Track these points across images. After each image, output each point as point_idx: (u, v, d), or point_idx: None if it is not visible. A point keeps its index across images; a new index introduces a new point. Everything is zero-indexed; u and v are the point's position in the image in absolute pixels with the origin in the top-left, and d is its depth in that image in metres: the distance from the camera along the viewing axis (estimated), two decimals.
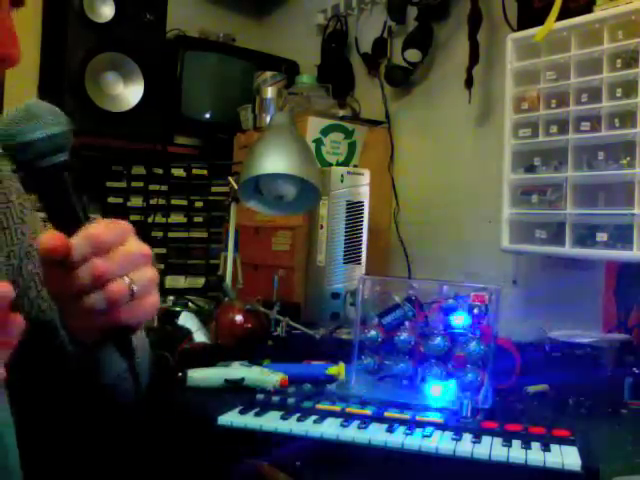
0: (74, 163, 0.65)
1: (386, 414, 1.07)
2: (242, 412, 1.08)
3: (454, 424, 1.03)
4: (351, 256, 1.93)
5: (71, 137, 0.65)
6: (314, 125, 2.21)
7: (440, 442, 0.95)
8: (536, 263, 1.84)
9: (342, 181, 1.92)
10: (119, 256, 0.62)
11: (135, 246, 0.64)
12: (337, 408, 1.09)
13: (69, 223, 0.63)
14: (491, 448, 0.93)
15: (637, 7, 1.40)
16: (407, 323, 1.24)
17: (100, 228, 0.62)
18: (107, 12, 2.30)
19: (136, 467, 1.07)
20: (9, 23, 0.68)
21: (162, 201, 2.56)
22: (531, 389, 1.30)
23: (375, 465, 0.97)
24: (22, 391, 0.76)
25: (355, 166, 2.05)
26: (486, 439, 0.96)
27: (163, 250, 2.56)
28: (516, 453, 0.91)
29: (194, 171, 2.61)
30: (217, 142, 2.65)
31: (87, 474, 0.79)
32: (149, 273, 0.65)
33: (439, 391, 1.18)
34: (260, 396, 1.15)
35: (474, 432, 0.99)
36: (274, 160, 1.67)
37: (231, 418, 1.05)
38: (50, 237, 0.61)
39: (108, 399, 0.80)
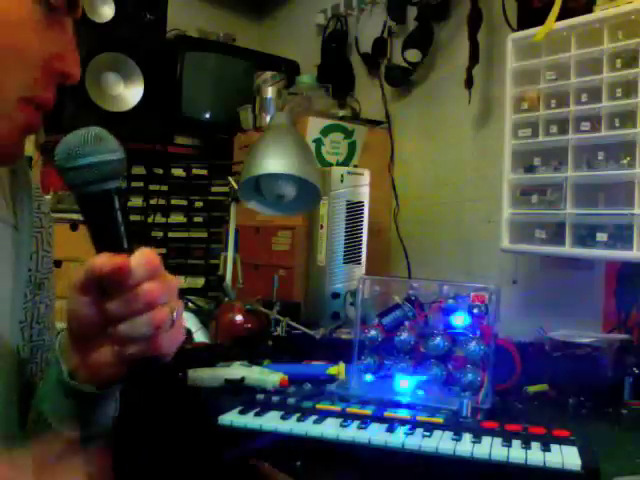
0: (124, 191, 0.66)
1: (386, 414, 1.07)
2: (242, 412, 1.08)
3: (454, 424, 1.03)
4: (351, 256, 1.93)
5: (124, 165, 0.66)
6: (314, 125, 2.21)
7: (440, 442, 0.95)
8: (536, 263, 1.84)
9: (342, 181, 1.92)
10: (164, 283, 0.63)
11: (171, 276, 0.65)
12: (337, 408, 1.09)
13: (114, 251, 0.62)
14: (491, 448, 0.93)
15: (637, 7, 1.40)
16: (407, 323, 1.24)
17: (152, 254, 0.63)
18: (107, 12, 2.31)
19: (136, 467, 1.07)
20: (74, 43, 0.70)
21: (162, 201, 2.57)
22: (531, 389, 1.30)
23: (375, 465, 0.97)
24: None
25: (355, 166, 2.05)
26: (486, 439, 0.96)
27: (163, 250, 2.56)
28: (516, 453, 0.91)
29: (194, 171, 2.61)
30: (217, 142, 2.65)
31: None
32: (180, 304, 0.66)
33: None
34: (260, 396, 1.15)
35: (474, 432, 0.99)
36: (274, 160, 1.67)
37: (231, 418, 1.05)
38: (110, 257, 0.61)
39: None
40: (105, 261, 0.61)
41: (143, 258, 0.62)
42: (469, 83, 1.97)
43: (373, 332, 1.26)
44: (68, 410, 0.70)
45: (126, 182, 2.53)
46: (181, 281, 2.55)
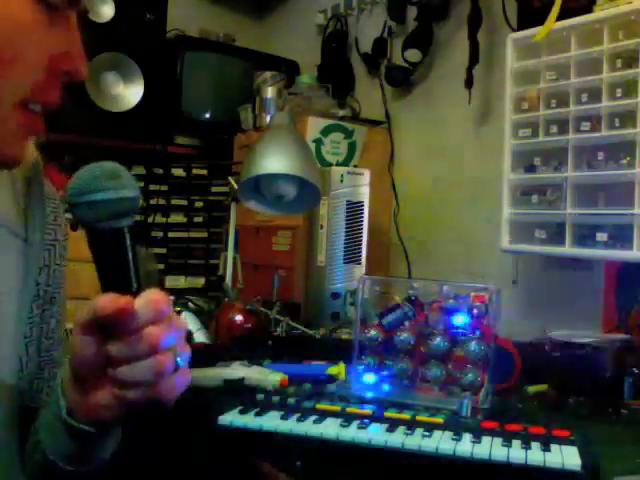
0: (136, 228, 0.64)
1: (386, 414, 1.07)
2: (242, 412, 1.08)
3: (454, 424, 1.03)
4: (351, 256, 1.92)
5: (139, 202, 0.64)
6: (314, 125, 2.21)
7: (440, 442, 0.95)
8: (536, 263, 1.84)
9: (342, 181, 1.92)
10: (171, 327, 0.61)
11: (178, 319, 0.63)
12: (337, 408, 1.09)
13: (122, 291, 0.60)
14: (491, 448, 0.93)
15: (637, 7, 1.40)
16: (407, 323, 1.24)
17: (159, 296, 0.61)
18: (107, 12, 2.31)
19: (136, 467, 1.07)
20: (79, 39, 0.68)
21: (162, 201, 2.57)
22: (531, 389, 1.30)
23: (375, 465, 0.97)
24: None
25: (355, 166, 2.04)
26: (486, 439, 0.96)
27: (163, 250, 2.56)
28: (516, 453, 0.91)
29: (194, 171, 2.61)
30: (217, 142, 2.65)
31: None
32: (187, 348, 0.64)
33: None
34: (260, 396, 1.15)
35: (474, 432, 0.99)
36: (274, 160, 1.67)
37: (231, 418, 1.05)
38: (115, 298, 0.59)
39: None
40: (108, 302, 0.58)
41: (148, 300, 0.60)
42: (469, 83, 1.97)
43: (373, 332, 1.26)
44: (65, 444, 0.69)
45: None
46: (181, 283, 2.56)
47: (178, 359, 0.61)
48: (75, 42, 0.67)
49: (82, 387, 0.64)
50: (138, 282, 0.62)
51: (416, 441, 0.96)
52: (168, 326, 0.61)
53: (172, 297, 1.92)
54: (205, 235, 2.62)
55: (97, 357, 0.61)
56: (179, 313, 1.66)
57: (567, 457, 0.90)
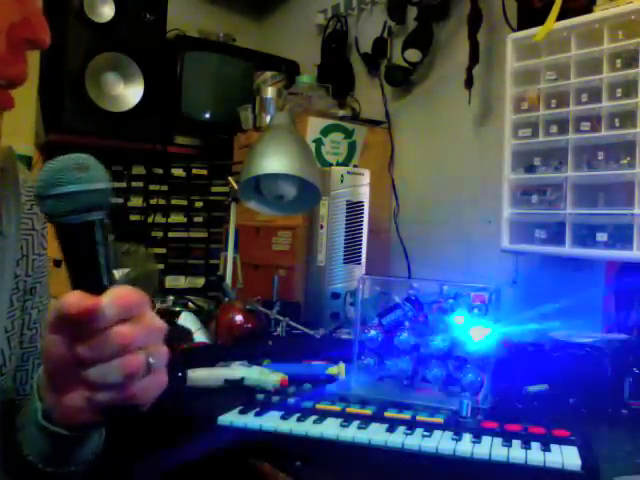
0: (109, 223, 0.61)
1: (386, 414, 1.07)
2: (242, 412, 1.08)
3: (454, 424, 1.03)
4: (351, 256, 1.93)
5: (110, 196, 0.60)
6: (314, 125, 2.21)
7: (440, 442, 0.95)
8: (536, 263, 1.84)
9: (342, 181, 1.92)
10: (143, 326, 0.57)
11: (154, 318, 0.60)
12: (337, 408, 1.09)
13: (92, 288, 0.57)
14: (491, 448, 0.93)
15: (637, 7, 1.40)
16: (407, 323, 1.24)
17: (128, 292, 0.57)
18: (107, 12, 2.31)
19: (136, 467, 1.07)
20: (38, 5, 0.64)
21: (162, 201, 2.57)
22: (531, 389, 1.30)
23: (375, 465, 0.97)
24: None
25: (355, 166, 2.05)
26: (486, 439, 0.96)
27: (163, 250, 2.56)
28: (516, 453, 0.91)
29: (194, 171, 2.62)
30: (217, 142, 2.65)
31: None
32: (163, 349, 0.60)
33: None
34: (260, 396, 1.15)
35: (474, 432, 0.99)
36: (274, 160, 1.67)
37: (231, 418, 1.05)
38: (80, 297, 0.55)
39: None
40: (74, 302, 0.55)
41: (115, 297, 0.56)
42: (469, 83, 1.97)
43: (373, 332, 1.25)
44: (43, 446, 0.67)
45: (125, 189, 2.53)
46: (181, 283, 2.56)
47: (150, 359, 0.58)
48: (34, 8, 0.63)
49: (56, 388, 0.62)
50: (110, 279, 0.59)
51: (416, 441, 0.96)
52: (139, 324, 0.57)
53: (172, 297, 1.93)
54: (205, 235, 2.62)
55: (68, 357, 0.58)
56: (179, 313, 1.66)
57: (567, 457, 0.89)
